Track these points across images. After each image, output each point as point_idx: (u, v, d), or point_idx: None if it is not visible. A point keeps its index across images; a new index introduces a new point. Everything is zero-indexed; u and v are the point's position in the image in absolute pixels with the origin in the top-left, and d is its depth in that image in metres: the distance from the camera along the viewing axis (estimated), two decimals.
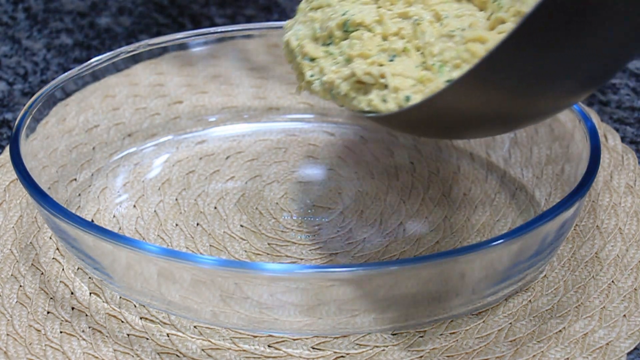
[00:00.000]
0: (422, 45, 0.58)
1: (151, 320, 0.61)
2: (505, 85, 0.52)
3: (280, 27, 0.65)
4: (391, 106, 0.56)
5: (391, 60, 0.58)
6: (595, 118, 0.75)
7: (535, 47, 0.50)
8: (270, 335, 0.60)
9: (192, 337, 0.60)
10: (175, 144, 0.75)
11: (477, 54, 0.55)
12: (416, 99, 0.55)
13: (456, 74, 0.55)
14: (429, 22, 0.59)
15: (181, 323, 0.61)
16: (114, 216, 0.69)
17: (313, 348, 0.60)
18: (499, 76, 0.51)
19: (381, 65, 0.57)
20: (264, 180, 0.72)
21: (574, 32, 0.50)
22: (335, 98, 0.59)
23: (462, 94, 0.52)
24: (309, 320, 0.59)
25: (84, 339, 0.60)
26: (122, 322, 0.61)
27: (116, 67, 0.74)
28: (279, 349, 0.59)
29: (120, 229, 0.68)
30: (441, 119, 0.55)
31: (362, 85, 0.58)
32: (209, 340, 0.60)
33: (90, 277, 0.64)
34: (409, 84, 0.56)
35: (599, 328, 0.60)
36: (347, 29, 0.59)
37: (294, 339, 0.60)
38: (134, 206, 0.70)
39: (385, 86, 0.57)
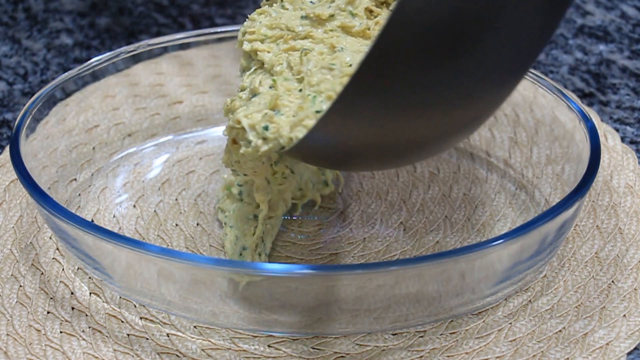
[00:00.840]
0: (304, 71, 0.59)
1: (151, 320, 0.61)
2: (371, 115, 0.53)
3: None
4: (258, 143, 0.57)
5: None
6: (595, 118, 0.75)
7: (384, 78, 0.51)
8: (270, 335, 0.60)
9: (192, 337, 0.60)
10: (175, 144, 0.75)
11: None
12: (273, 127, 0.56)
13: (326, 106, 0.56)
14: (319, 52, 0.60)
15: (181, 323, 0.61)
16: (114, 216, 0.69)
17: (313, 348, 0.60)
18: (361, 107, 0.52)
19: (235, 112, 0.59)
20: None
21: (423, 59, 0.51)
22: (236, 172, 0.62)
23: (336, 127, 0.53)
24: (309, 320, 0.59)
25: (84, 339, 0.60)
26: (122, 322, 0.61)
27: (116, 67, 0.74)
28: (279, 349, 0.59)
29: (120, 229, 0.68)
30: (336, 150, 0.56)
31: (238, 145, 0.59)
32: (209, 340, 0.60)
33: (90, 277, 0.64)
34: (260, 117, 0.57)
35: (599, 328, 0.60)
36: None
37: (294, 339, 0.60)
38: (134, 206, 0.70)
39: (244, 129, 0.58)
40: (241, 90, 0.60)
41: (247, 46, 0.62)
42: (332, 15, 0.62)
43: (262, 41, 0.62)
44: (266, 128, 0.57)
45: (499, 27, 0.51)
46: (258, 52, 0.61)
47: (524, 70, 0.55)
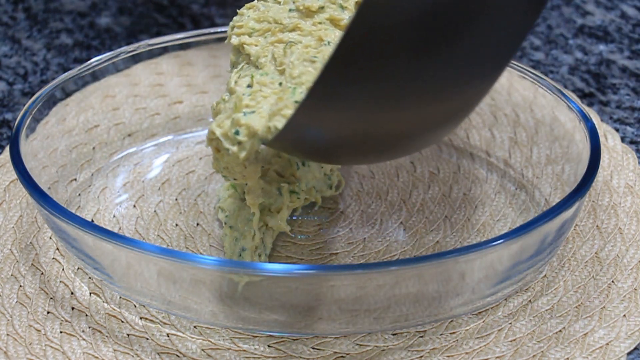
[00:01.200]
0: (286, 63, 0.58)
1: (151, 320, 0.61)
2: (349, 105, 0.52)
3: None
4: (234, 150, 0.56)
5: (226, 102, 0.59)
6: (595, 118, 0.75)
7: (357, 68, 0.50)
8: (270, 335, 0.60)
9: (192, 337, 0.60)
10: (175, 144, 0.75)
11: None
12: (243, 129, 0.56)
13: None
14: (305, 45, 0.59)
15: (181, 323, 0.61)
16: (114, 216, 0.69)
17: (313, 348, 0.60)
18: (338, 96, 0.51)
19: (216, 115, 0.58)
20: None
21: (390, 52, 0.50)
22: (228, 177, 0.61)
23: (314, 116, 0.53)
24: (309, 320, 0.59)
25: (84, 339, 0.60)
26: (122, 322, 0.61)
27: (116, 67, 0.74)
28: (279, 349, 0.59)
29: (120, 229, 0.68)
30: (318, 141, 0.56)
31: (222, 153, 0.58)
32: (209, 340, 0.60)
33: (90, 277, 0.64)
34: (226, 114, 0.57)
35: (599, 328, 0.60)
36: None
37: (294, 339, 0.60)
38: (134, 206, 0.70)
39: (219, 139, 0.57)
40: (227, 89, 0.60)
41: (235, 40, 0.62)
42: (321, 7, 0.62)
43: (249, 35, 0.62)
44: (237, 133, 0.56)
45: (478, 15, 0.51)
46: (245, 46, 0.61)
47: (506, 60, 0.55)
